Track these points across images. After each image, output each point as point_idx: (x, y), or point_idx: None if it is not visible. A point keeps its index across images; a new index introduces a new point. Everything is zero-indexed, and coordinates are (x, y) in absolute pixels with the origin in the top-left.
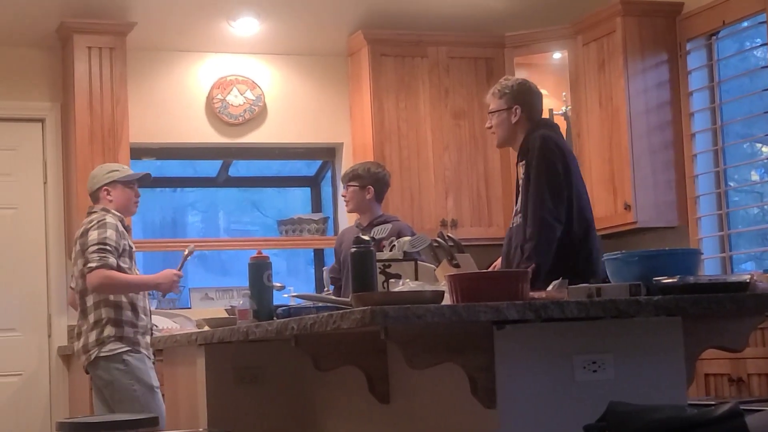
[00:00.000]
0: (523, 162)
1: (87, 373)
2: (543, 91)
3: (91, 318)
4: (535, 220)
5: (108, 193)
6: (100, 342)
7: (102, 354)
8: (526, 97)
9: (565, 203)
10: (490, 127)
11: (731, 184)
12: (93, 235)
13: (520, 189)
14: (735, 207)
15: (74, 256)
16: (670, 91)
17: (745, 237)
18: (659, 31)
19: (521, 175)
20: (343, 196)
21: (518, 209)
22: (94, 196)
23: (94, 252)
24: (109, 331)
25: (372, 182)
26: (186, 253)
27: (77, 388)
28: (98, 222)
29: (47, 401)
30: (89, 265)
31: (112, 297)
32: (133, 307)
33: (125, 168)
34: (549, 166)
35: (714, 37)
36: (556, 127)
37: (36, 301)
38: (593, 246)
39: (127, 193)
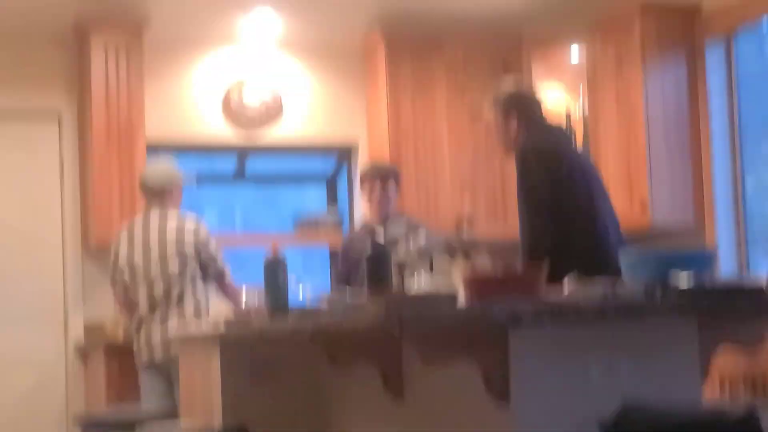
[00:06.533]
0: None
1: (163, 363)
2: (558, 89)
3: (191, 308)
4: (522, 243)
5: (174, 193)
6: None
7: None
8: (519, 104)
9: (549, 209)
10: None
11: (749, 184)
12: (212, 245)
13: None
14: (752, 208)
15: (170, 251)
16: (687, 91)
17: (761, 238)
18: (677, 30)
19: None
20: (385, 194)
21: None
22: (160, 192)
23: (222, 262)
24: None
25: (400, 184)
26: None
27: (93, 382)
28: (206, 229)
29: (63, 395)
30: (226, 276)
31: (206, 293)
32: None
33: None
34: (524, 178)
35: (732, 37)
36: (551, 129)
37: (52, 295)
38: (597, 244)
39: (182, 195)
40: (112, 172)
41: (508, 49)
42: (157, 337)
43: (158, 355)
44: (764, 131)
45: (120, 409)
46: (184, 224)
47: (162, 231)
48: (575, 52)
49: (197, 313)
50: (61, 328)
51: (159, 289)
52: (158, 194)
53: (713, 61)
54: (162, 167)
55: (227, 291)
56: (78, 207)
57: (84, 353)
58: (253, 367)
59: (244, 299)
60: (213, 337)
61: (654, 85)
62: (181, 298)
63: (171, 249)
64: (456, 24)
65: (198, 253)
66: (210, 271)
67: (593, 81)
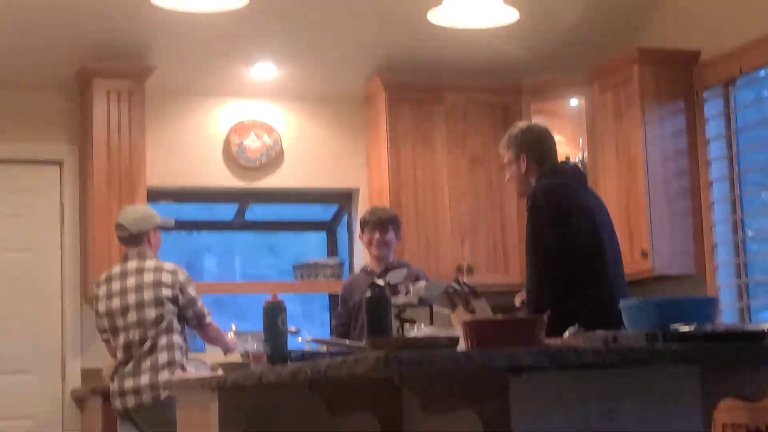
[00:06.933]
0: None
1: (134, 411)
2: (558, 138)
3: (164, 357)
4: (528, 288)
5: (151, 237)
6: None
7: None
8: (531, 145)
9: (557, 255)
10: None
11: (749, 232)
12: (192, 289)
13: None
14: (753, 255)
15: (147, 298)
16: (687, 139)
17: (763, 286)
18: (676, 79)
19: None
20: (385, 241)
21: None
22: (137, 238)
23: (202, 306)
24: (178, 373)
25: (400, 230)
26: (231, 334)
27: (90, 429)
28: (185, 274)
29: None
30: (207, 318)
31: (181, 342)
32: (186, 352)
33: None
34: (534, 224)
35: (731, 86)
36: (564, 172)
37: (50, 343)
38: (601, 294)
39: (160, 238)
40: (112, 219)
41: (508, 98)
42: (129, 387)
43: (130, 404)
44: (763, 178)
45: None
46: (162, 269)
47: (139, 277)
48: (574, 101)
49: (171, 365)
50: (59, 375)
51: (135, 337)
52: (135, 239)
53: (712, 108)
54: (137, 211)
55: (209, 335)
56: (78, 253)
57: (81, 400)
58: (251, 415)
59: (230, 342)
60: (211, 383)
61: (653, 134)
62: (155, 347)
63: (148, 295)
64: (456, 73)
65: (176, 297)
66: (189, 315)
67: (593, 130)
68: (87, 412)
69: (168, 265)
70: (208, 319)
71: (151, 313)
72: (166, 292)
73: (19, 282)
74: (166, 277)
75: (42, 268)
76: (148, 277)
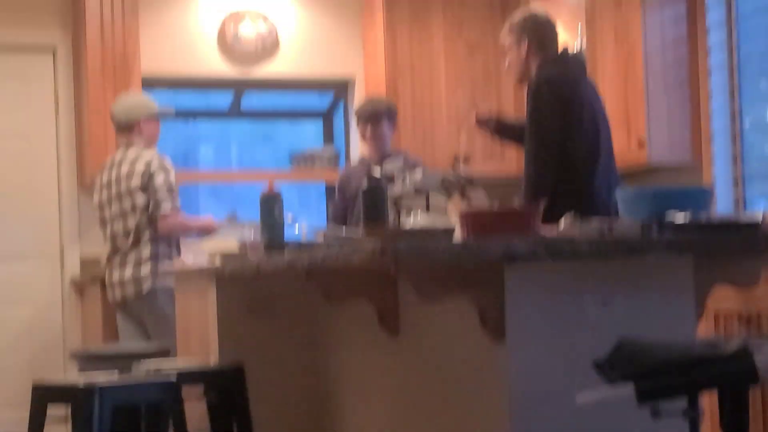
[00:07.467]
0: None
1: (121, 304)
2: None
3: (147, 251)
4: (526, 176)
5: (143, 126)
6: (155, 275)
7: (158, 286)
8: (533, 30)
9: (557, 144)
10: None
11: (747, 122)
12: (162, 178)
13: None
14: (750, 145)
15: (124, 188)
16: (686, 27)
17: (759, 176)
18: None
19: None
20: (378, 134)
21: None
22: (127, 127)
23: (167, 197)
24: (164, 265)
25: (396, 119)
26: (227, 219)
27: (90, 318)
28: (160, 163)
29: (60, 331)
30: (162, 209)
31: (159, 238)
32: (177, 245)
33: (152, 101)
34: (536, 111)
35: None
36: (567, 61)
37: (48, 231)
38: (596, 186)
39: (158, 128)
40: (107, 107)
41: None
42: (116, 279)
43: (117, 297)
44: (763, 68)
45: (116, 344)
46: (138, 158)
47: (119, 167)
48: None
49: (155, 258)
50: (58, 264)
51: (118, 229)
52: (125, 128)
53: None
54: (130, 100)
55: (165, 228)
56: (73, 142)
57: (80, 288)
58: (249, 303)
59: (204, 224)
60: (209, 272)
61: (653, 21)
62: (138, 240)
63: (125, 186)
64: None
65: (145, 186)
66: (150, 204)
67: (591, 17)
68: (86, 299)
69: (147, 154)
70: (164, 210)
71: (126, 204)
72: (136, 182)
73: (16, 170)
74: (139, 167)
75: (38, 157)
76: (125, 168)
